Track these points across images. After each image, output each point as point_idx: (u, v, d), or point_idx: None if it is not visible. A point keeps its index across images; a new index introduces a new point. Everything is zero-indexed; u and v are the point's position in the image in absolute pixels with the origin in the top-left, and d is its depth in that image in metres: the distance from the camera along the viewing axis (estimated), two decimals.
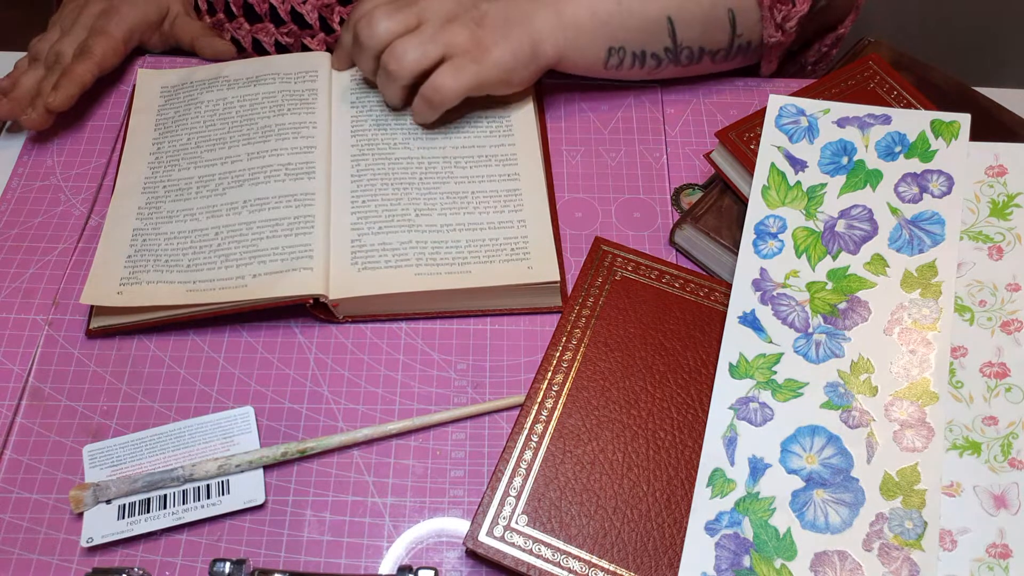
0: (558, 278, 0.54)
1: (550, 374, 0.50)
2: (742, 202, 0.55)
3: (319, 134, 0.59)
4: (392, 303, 0.54)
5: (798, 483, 0.45)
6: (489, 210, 0.57)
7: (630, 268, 0.54)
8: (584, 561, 0.44)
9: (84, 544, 0.46)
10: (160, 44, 0.68)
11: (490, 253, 0.55)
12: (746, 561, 0.44)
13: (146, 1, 0.66)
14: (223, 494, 0.47)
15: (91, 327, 0.53)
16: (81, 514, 0.47)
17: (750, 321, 0.50)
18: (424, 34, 0.55)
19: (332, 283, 0.53)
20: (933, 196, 0.51)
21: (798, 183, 0.53)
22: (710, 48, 0.60)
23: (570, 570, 0.44)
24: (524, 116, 0.62)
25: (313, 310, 0.53)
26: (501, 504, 0.46)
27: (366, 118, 0.61)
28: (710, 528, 0.44)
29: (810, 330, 0.49)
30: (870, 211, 0.51)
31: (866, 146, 0.53)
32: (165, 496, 0.47)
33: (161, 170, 0.59)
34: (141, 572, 0.45)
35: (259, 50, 0.71)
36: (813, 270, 0.51)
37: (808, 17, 0.61)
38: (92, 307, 0.54)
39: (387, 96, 0.59)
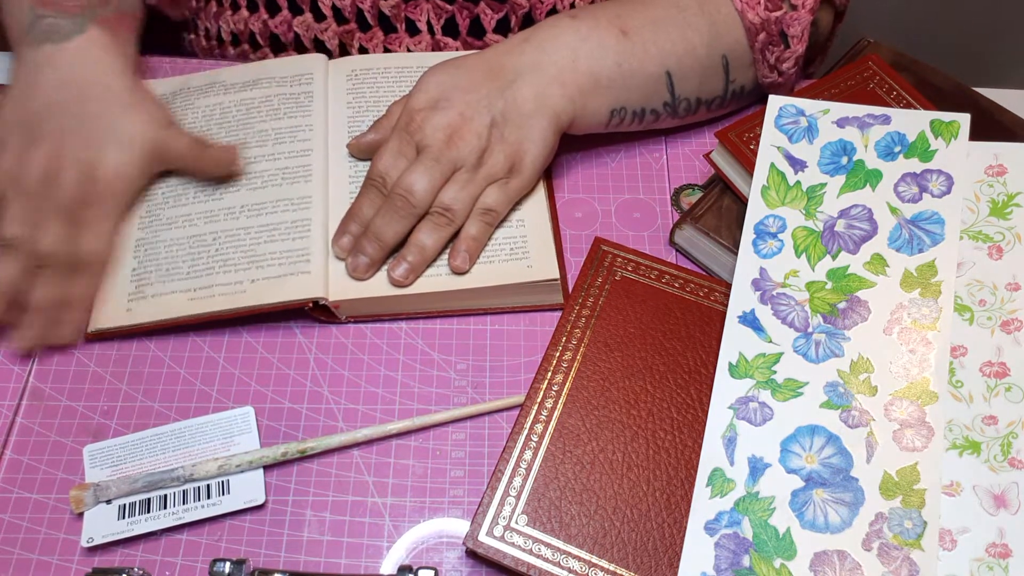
0: (557, 275, 0.54)
1: (550, 374, 0.50)
2: (742, 202, 0.55)
3: (315, 137, 0.59)
4: (392, 303, 0.54)
5: (798, 483, 0.45)
6: None
7: (630, 268, 0.54)
8: (584, 561, 0.44)
9: (84, 544, 0.46)
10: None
11: (490, 253, 0.55)
12: (746, 561, 0.44)
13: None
14: (223, 494, 0.47)
15: (89, 331, 0.53)
16: (81, 514, 0.47)
17: (750, 321, 0.50)
18: (461, 179, 0.54)
19: (331, 285, 0.53)
20: (933, 196, 0.51)
21: (798, 183, 0.53)
22: (706, 98, 0.60)
23: (570, 570, 0.44)
24: None
25: (313, 312, 0.53)
26: (501, 504, 0.46)
27: (362, 120, 0.61)
28: (710, 528, 0.44)
29: (810, 330, 0.49)
30: (870, 211, 0.51)
31: (866, 146, 0.53)
32: (165, 496, 0.47)
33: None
34: (141, 572, 0.45)
35: (275, 42, 0.70)
36: (813, 270, 0.51)
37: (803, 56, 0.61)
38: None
39: (435, 239, 0.54)
